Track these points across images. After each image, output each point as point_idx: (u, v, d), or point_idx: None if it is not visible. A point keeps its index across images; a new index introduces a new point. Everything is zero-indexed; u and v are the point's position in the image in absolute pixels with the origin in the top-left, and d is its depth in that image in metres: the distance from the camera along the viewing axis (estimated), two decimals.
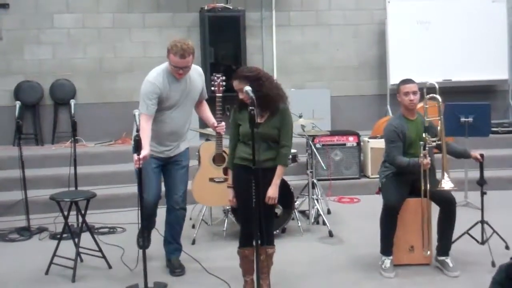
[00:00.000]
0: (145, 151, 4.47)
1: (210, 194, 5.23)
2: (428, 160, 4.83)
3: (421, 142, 4.88)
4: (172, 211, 5.13)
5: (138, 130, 4.42)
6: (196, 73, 5.06)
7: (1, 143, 8.79)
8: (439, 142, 4.94)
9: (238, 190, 4.45)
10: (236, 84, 4.27)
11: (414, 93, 5.04)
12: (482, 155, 5.16)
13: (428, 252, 5.09)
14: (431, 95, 5.02)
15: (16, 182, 6.70)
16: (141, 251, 5.21)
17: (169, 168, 5.08)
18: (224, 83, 5.20)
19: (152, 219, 5.25)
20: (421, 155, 4.85)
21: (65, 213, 5.23)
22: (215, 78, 5.21)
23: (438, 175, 4.99)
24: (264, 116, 4.31)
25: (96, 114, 9.16)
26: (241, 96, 4.25)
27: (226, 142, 5.06)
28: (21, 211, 6.60)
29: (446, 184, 4.82)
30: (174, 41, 4.76)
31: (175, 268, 5.14)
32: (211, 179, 5.19)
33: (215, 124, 5.06)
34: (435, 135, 4.97)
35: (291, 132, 4.46)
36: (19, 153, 6.40)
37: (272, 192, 4.31)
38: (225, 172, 5.19)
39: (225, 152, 5.14)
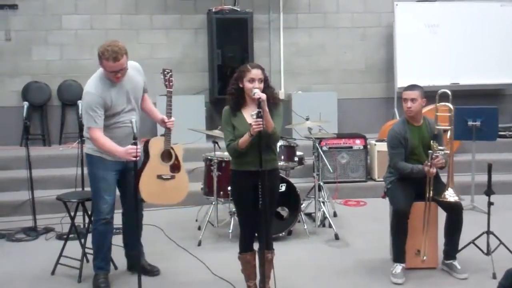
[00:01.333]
0: (121, 150, 4.48)
1: (157, 191, 4.95)
2: (433, 170, 4.83)
3: (430, 151, 4.87)
4: (132, 216, 4.90)
5: (135, 138, 4.33)
6: (134, 69, 4.89)
7: (8, 143, 8.82)
8: (447, 151, 4.94)
9: (239, 196, 4.42)
10: (259, 73, 4.22)
11: (412, 100, 5.02)
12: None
13: (425, 257, 5.07)
14: (443, 103, 5.02)
15: (23, 182, 6.72)
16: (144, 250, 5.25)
17: (126, 174, 4.87)
18: (172, 78, 4.99)
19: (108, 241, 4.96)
20: (427, 162, 4.84)
21: (72, 213, 5.25)
22: (165, 73, 4.96)
23: (444, 179, 5.00)
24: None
25: None
26: (256, 85, 4.18)
27: (175, 138, 4.98)
28: (28, 211, 6.62)
29: (450, 197, 4.82)
30: (103, 46, 4.58)
31: (153, 269, 5.13)
32: (159, 176, 5.01)
33: (165, 120, 4.87)
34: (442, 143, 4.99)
35: (281, 124, 4.38)
36: (26, 154, 6.42)
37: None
38: (173, 169, 5.05)
39: (172, 148, 5.04)
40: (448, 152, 4.94)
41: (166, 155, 4.96)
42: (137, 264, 4.54)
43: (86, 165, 4.96)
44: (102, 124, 4.63)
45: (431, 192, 4.92)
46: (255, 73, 4.21)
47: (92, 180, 4.84)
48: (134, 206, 4.69)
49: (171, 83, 4.93)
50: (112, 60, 4.52)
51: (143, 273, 4.69)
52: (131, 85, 4.80)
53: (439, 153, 4.85)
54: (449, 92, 5.11)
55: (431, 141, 4.93)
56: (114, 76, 4.61)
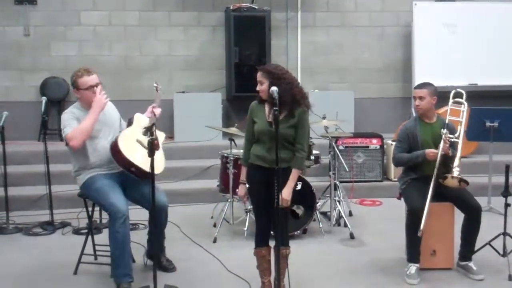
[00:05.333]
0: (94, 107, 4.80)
1: (134, 152, 5.00)
2: (445, 146, 4.84)
3: (442, 131, 4.91)
4: (161, 215, 4.95)
5: (152, 134, 4.35)
6: (109, 106, 5.12)
7: (27, 138, 8.90)
8: (456, 140, 4.96)
9: (252, 189, 4.45)
10: (258, 75, 4.33)
11: (420, 98, 5.07)
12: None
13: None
14: (456, 99, 5.02)
15: (40, 176, 6.77)
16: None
17: (130, 182, 4.95)
18: (161, 86, 5.17)
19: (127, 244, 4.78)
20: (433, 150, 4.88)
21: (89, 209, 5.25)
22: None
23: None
24: (282, 115, 4.22)
25: (121, 112, 9.07)
26: (258, 88, 4.32)
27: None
28: (45, 206, 6.68)
29: (456, 172, 4.79)
30: (74, 71, 4.92)
31: (169, 265, 5.19)
32: (138, 141, 5.02)
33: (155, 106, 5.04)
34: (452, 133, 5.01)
35: (307, 137, 4.46)
36: (44, 148, 6.49)
37: (286, 194, 4.23)
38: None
39: (154, 128, 5.02)
40: (457, 141, 4.96)
41: (149, 131, 4.94)
42: (155, 259, 4.55)
43: (87, 194, 4.96)
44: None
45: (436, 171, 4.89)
46: (258, 75, 4.34)
47: (96, 196, 4.82)
48: (160, 208, 4.84)
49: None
50: (86, 74, 4.83)
51: (158, 269, 4.73)
52: (105, 117, 5.03)
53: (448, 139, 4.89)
54: (464, 92, 5.12)
55: (441, 129, 4.96)
56: (94, 92, 4.84)
